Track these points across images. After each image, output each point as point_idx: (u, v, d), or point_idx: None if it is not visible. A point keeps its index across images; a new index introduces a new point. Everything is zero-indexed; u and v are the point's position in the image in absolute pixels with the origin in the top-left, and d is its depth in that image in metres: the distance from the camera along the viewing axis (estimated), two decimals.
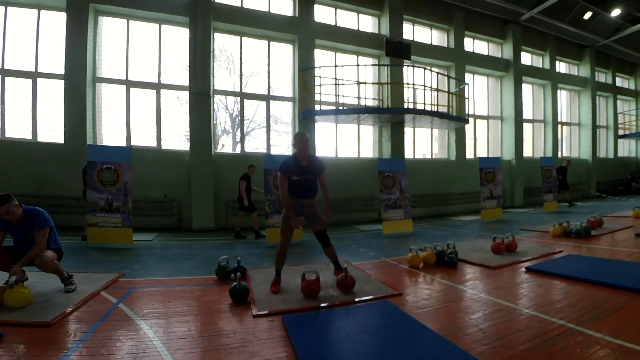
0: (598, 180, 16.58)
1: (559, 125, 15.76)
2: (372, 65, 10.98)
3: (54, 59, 8.16)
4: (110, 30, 8.75)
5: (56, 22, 8.19)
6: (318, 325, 2.84)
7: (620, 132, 18.50)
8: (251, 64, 9.93)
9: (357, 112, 9.39)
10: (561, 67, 16.13)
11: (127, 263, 5.01)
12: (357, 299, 3.44)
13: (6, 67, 7.97)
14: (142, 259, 5.31)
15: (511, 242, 5.23)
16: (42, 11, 8.18)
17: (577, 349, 2.31)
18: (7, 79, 8.02)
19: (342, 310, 3.19)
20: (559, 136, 15.78)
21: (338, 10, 10.65)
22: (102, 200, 6.21)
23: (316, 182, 3.92)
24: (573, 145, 16.80)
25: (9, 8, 7.99)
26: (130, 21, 8.74)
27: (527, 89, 14.67)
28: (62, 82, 8.06)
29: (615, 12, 14.54)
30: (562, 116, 16.47)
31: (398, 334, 2.61)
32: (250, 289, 3.66)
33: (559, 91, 15.64)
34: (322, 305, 3.32)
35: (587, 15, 14.36)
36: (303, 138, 3.75)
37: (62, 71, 8.06)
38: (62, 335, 2.62)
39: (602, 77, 17.67)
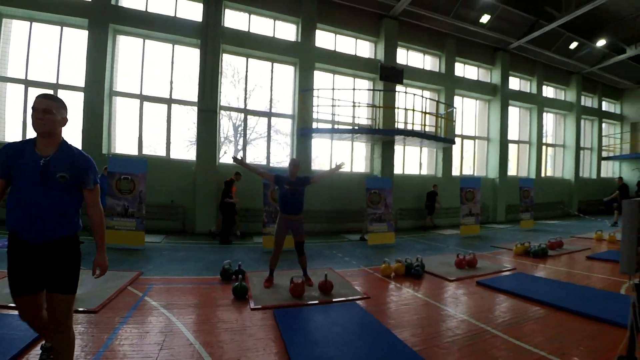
0: (580, 199, 17.46)
1: (544, 147, 16.67)
2: (368, 90, 11.88)
3: (75, 73, 8.92)
4: (127, 48, 9.60)
5: (78, 39, 8.95)
6: (301, 318, 3.70)
7: (605, 154, 19.47)
8: (255, 81, 10.80)
9: (351, 132, 10.27)
10: (549, 91, 17.06)
11: (142, 263, 5.83)
12: (333, 300, 4.31)
13: (29, 77, 8.72)
14: (156, 260, 6.13)
15: (472, 258, 6.09)
16: (64, 28, 8.94)
17: (484, 345, 3.15)
18: (29, 89, 8.73)
19: (320, 307, 4.05)
20: (544, 157, 16.70)
21: (338, 35, 11.56)
22: (119, 207, 7.05)
23: (303, 197, 4.93)
24: (557, 166, 17.71)
25: (33, 24, 8.77)
26: (146, 40, 9.58)
27: (514, 111, 15.59)
28: (82, 94, 8.79)
29: (601, 43, 15.51)
30: (548, 138, 17.40)
31: (359, 328, 3.46)
32: (249, 288, 4.51)
33: (545, 114, 16.57)
34: (305, 303, 4.17)
35: (573, 45, 15.33)
36: (295, 163, 4.95)
37: (82, 84, 8.80)
38: (107, 320, 3.45)
39: (588, 101, 18.61)
